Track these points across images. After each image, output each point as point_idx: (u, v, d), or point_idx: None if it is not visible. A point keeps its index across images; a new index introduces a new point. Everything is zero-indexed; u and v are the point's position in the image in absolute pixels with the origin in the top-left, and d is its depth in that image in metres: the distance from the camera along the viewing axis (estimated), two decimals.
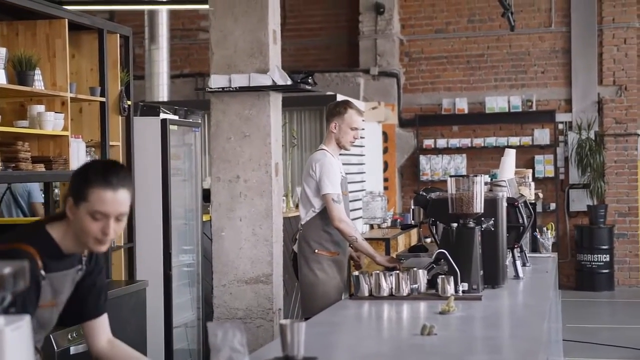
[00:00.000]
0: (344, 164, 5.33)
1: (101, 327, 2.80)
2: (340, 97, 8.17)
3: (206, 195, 6.24)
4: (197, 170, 6.67)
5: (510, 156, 5.62)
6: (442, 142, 12.11)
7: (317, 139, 9.50)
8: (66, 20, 5.24)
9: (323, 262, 4.98)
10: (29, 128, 4.99)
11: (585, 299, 10.99)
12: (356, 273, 4.08)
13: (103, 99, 5.60)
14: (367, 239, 5.48)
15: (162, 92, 10.97)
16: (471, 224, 4.12)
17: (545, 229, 6.14)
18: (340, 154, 5.16)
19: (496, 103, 12.02)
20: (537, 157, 11.85)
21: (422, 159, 12.14)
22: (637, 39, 11.86)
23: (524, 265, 4.98)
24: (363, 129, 5.72)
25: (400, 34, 12.35)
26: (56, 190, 5.81)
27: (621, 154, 11.82)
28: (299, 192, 5.31)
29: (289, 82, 4.92)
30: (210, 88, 4.97)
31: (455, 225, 4.11)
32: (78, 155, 5.20)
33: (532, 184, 6.72)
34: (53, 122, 5.04)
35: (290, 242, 5.56)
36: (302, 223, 5.04)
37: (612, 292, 11.46)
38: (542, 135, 11.86)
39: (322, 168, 4.91)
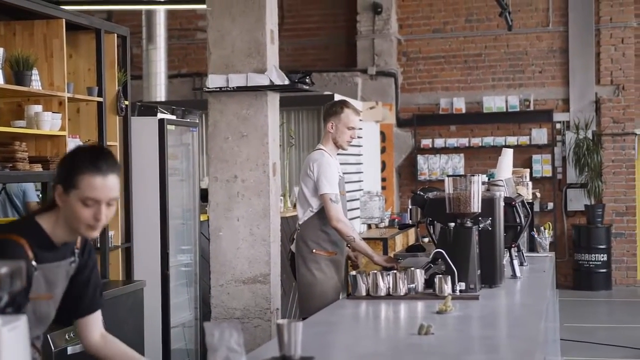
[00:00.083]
0: (341, 163, 5.33)
1: (95, 322, 2.81)
2: (338, 97, 8.18)
3: (204, 195, 6.24)
4: (194, 170, 6.67)
5: (507, 156, 5.62)
6: (439, 142, 12.12)
7: (314, 138, 9.50)
8: (63, 20, 5.24)
9: (321, 262, 4.98)
10: (27, 128, 4.98)
11: (583, 299, 11.00)
12: (353, 273, 4.09)
13: (100, 99, 5.60)
14: (364, 239, 5.47)
15: (159, 92, 10.97)
16: (468, 224, 4.12)
17: (542, 228, 6.14)
18: (337, 154, 5.16)
19: (494, 103, 12.03)
20: (535, 157, 11.86)
21: (420, 159, 12.14)
22: (634, 39, 11.88)
23: (521, 264, 4.98)
24: (360, 129, 5.72)
25: (398, 34, 12.36)
26: None
27: (619, 154, 11.83)
28: (297, 192, 5.31)
29: (287, 82, 4.92)
30: (208, 88, 4.97)
31: (452, 224, 4.12)
32: None
33: (530, 183, 6.72)
34: (50, 122, 5.03)
35: (288, 242, 5.56)
36: (300, 223, 5.05)
37: (610, 291, 11.47)
38: (540, 135, 11.87)
39: (320, 168, 4.91)
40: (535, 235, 6.07)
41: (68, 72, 5.36)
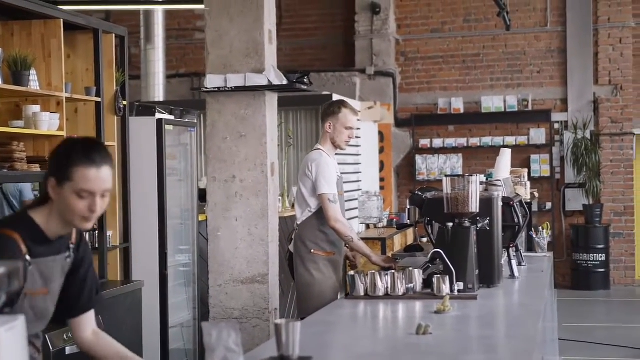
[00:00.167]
0: (339, 163, 5.34)
1: (89, 320, 2.82)
2: (336, 97, 8.17)
3: (202, 195, 6.25)
4: (193, 170, 6.67)
5: (505, 156, 5.62)
6: (438, 142, 12.12)
7: (313, 138, 9.50)
8: (61, 20, 5.24)
9: (319, 262, 4.98)
10: (25, 128, 4.98)
11: (581, 298, 11.01)
12: (352, 273, 4.08)
13: (98, 99, 5.60)
14: (363, 239, 5.48)
15: (157, 92, 10.96)
16: (467, 224, 4.12)
17: (540, 228, 6.15)
18: (336, 154, 5.16)
19: (492, 103, 12.03)
20: (533, 157, 11.87)
21: (418, 159, 12.14)
22: (632, 39, 11.88)
23: (519, 264, 4.99)
24: (358, 129, 5.72)
25: (396, 34, 12.36)
26: None
27: (617, 154, 11.83)
28: (295, 192, 5.31)
29: (285, 82, 4.92)
30: (206, 88, 4.97)
31: (450, 224, 4.12)
32: None
33: (528, 183, 6.73)
34: (48, 122, 5.03)
35: (286, 242, 5.57)
36: (298, 223, 5.05)
37: (608, 291, 11.47)
38: (538, 135, 11.88)
39: (318, 168, 4.92)
40: (534, 235, 6.08)
41: (66, 72, 5.36)
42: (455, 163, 12.07)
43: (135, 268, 5.96)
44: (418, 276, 4.04)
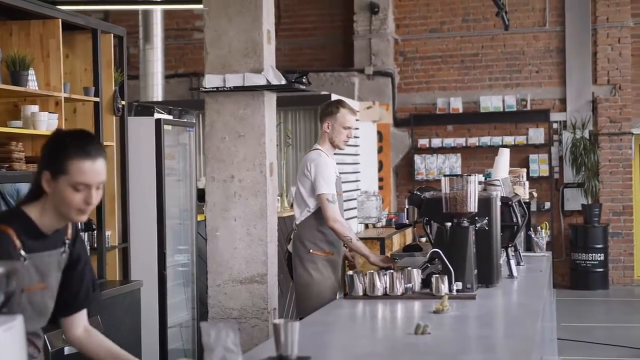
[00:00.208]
0: (338, 163, 5.34)
1: (82, 317, 2.83)
2: (334, 97, 8.17)
3: (201, 195, 6.24)
4: (191, 170, 6.67)
5: (504, 155, 5.62)
6: (436, 142, 12.12)
7: (311, 138, 9.50)
8: (60, 20, 5.24)
9: (318, 262, 4.98)
10: (23, 128, 4.98)
11: (580, 298, 11.01)
12: (350, 272, 4.08)
13: (97, 99, 5.60)
14: (361, 239, 5.48)
15: (156, 92, 10.96)
16: (465, 223, 4.12)
17: (539, 228, 6.15)
18: (334, 154, 5.16)
19: (491, 102, 12.03)
20: (532, 157, 11.87)
21: (417, 159, 12.15)
22: (631, 38, 11.89)
23: (518, 264, 4.99)
24: (357, 129, 5.72)
25: (395, 34, 12.36)
26: None
27: (615, 153, 11.84)
28: (294, 192, 5.31)
29: (284, 82, 4.92)
30: (205, 88, 4.96)
31: (449, 224, 4.12)
32: None
33: (527, 183, 6.73)
34: (47, 122, 5.03)
35: (285, 242, 5.56)
36: (297, 223, 5.05)
37: (607, 290, 11.47)
38: (537, 135, 11.88)
39: (317, 168, 4.92)
40: (532, 235, 6.08)
41: (64, 72, 5.36)
42: (453, 163, 12.07)
43: (134, 268, 5.96)
44: (417, 276, 4.04)
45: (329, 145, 5.07)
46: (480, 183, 4.64)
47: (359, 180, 10.14)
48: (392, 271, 4.07)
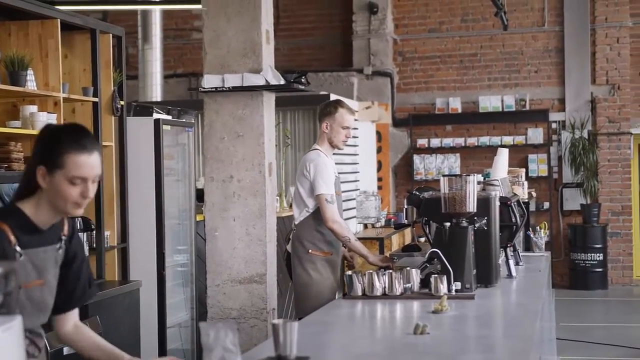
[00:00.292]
0: (337, 163, 5.34)
1: (74, 314, 2.83)
2: (333, 97, 8.17)
3: (200, 195, 6.24)
4: (190, 170, 6.67)
5: (503, 155, 5.62)
6: (435, 142, 12.12)
7: (310, 138, 9.50)
8: (59, 20, 5.24)
9: (317, 262, 4.98)
10: (22, 128, 4.98)
11: (579, 298, 11.01)
12: (349, 273, 4.08)
13: (96, 99, 5.60)
14: (360, 239, 5.48)
15: (155, 92, 10.96)
16: (464, 223, 4.12)
17: (538, 227, 6.15)
18: (333, 154, 5.16)
19: (489, 102, 12.04)
20: (531, 157, 11.87)
21: (416, 159, 12.15)
22: (629, 38, 11.89)
23: (517, 264, 4.99)
24: (356, 129, 5.72)
25: (394, 34, 12.36)
26: None
27: (614, 153, 11.84)
28: (293, 192, 5.31)
29: (282, 82, 4.92)
30: (204, 88, 4.96)
31: (448, 224, 4.12)
32: None
33: (526, 183, 6.73)
34: (46, 123, 5.02)
35: (284, 242, 5.56)
36: (296, 223, 5.05)
37: (606, 290, 11.48)
38: (536, 135, 11.88)
39: (316, 168, 4.92)
40: (531, 235, 6.08)
41: (63, 72, 5.36)
42: (452, 163, 12.07)
43: (133, 268, 5.96)
44: (415, 276, 4.04)
45: (327, 145, 5.07)
46: (479, 183, 4.64)
47: (358, 180, 10.14)
48: (391, 271, 4.07)
